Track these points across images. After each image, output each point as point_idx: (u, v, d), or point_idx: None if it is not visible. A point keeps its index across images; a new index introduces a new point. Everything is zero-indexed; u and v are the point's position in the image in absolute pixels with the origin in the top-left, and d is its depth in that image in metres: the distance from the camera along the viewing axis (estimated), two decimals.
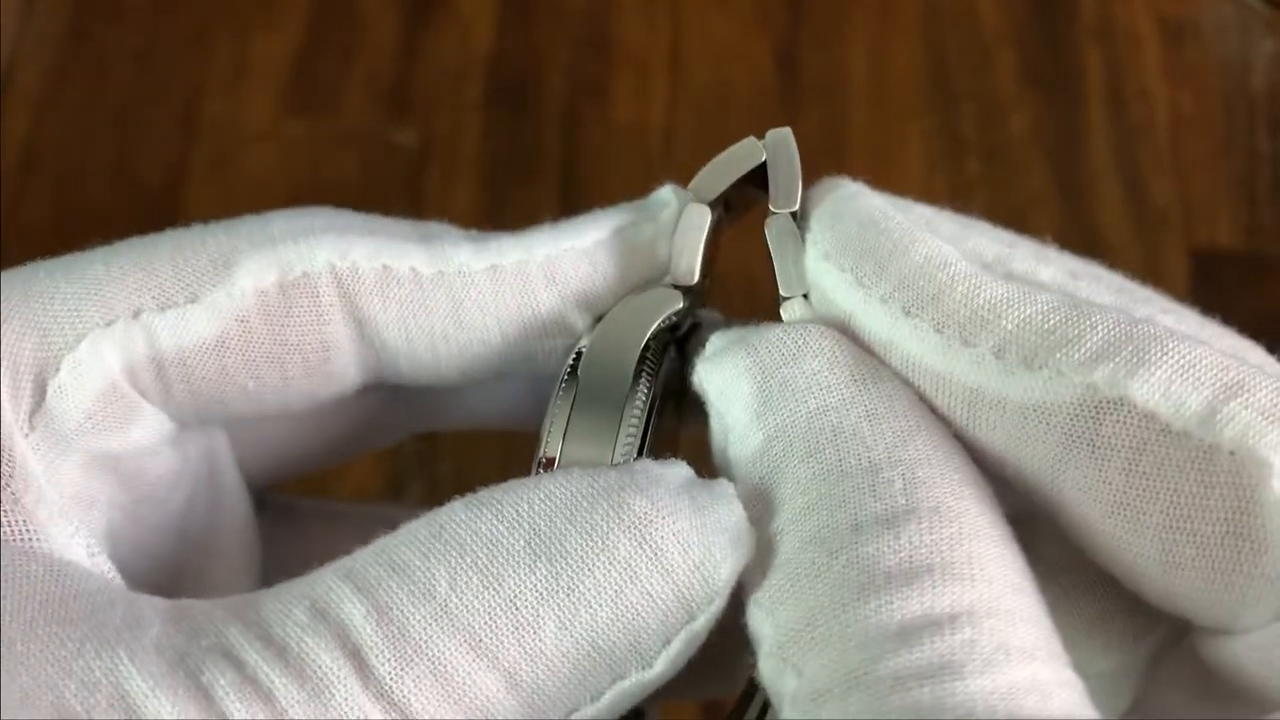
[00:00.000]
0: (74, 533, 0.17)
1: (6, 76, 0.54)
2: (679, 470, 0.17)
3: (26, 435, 0.17)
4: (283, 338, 0.19)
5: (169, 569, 0.21)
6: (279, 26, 0.56)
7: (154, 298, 0.18)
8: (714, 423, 0.19)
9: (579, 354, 0.20)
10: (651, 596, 0.16)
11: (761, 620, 0.16)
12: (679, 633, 0.16)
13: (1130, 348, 0.16)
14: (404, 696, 0.15)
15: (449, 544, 0.16)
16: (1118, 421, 0.16)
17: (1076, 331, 0.17)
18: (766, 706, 0.19)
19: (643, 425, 0.19)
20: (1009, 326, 0.17)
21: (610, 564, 0.16)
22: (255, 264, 0.19)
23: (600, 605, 0.16)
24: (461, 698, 0.15)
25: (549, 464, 0.19)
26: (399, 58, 0.56)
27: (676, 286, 0.20)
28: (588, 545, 0.16)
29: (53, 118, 0.54)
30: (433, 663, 0.15)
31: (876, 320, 0.18)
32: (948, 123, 0.54)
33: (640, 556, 0.16)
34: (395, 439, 0.25)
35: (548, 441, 0.19)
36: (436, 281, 0.19)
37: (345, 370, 0.20)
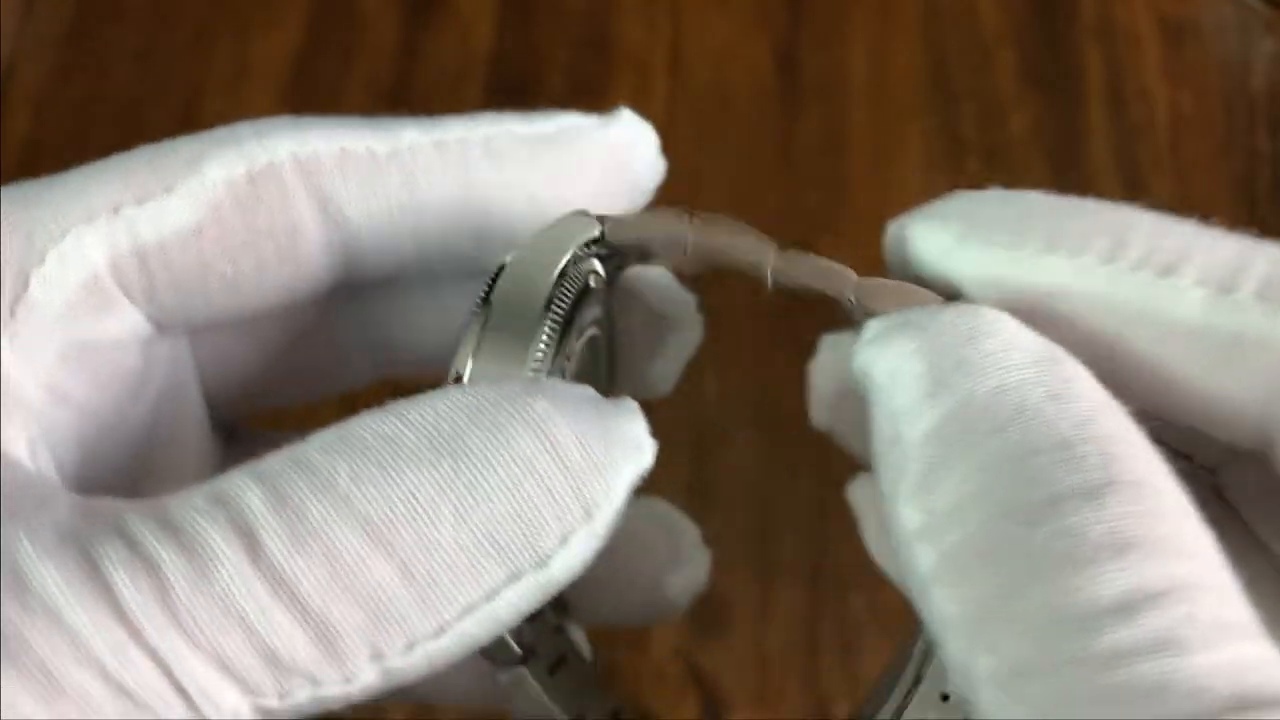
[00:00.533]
0: (22, 427, 0.18)
1: (6, 76, 0.54)
2: (583, 387, 0.18)
3: (4, 324, 0.18)
4: (254, 224, 0.20)
5: (129, 479, 0.22)
6: (279, 26, 0.56)
7: (133, 195, 0.20)
8: (879, 407, 0.19)
9: (494, 278, 0.20)
10: (550, 492, 0.17)
11: (944, 597, 0.16)
12: (576, 532, 0.17)
13: None
14: (294, 576, 0.16)
15: (353, 444, 0.17)
16: None
17: None
18: (914, 685, 0.19)
19: (552, 352, 0.19)
20: (1262, 269, 0.18)
21: (511, 460, 0.16)
22: (224, 158, 0.20)
23: (499, 499, 0.16)
24: (353, 583, 0.16)
25: (457, 381, 0.19)
26: (399, 58, 0.56)
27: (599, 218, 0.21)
28: (489, 442, 0.16)
29: (53, 118, 0.54)
30: (327, 547, 0.16)
31: (1129, 290, 0.18)
32: (948, 123, 0.54)
33: (540, 452, 0.17)
34: (360, 377, 0.26)
35: (456, 360, 0.19)
36: (390, 158, 0.21)
37: (313, 255, 0.21)
